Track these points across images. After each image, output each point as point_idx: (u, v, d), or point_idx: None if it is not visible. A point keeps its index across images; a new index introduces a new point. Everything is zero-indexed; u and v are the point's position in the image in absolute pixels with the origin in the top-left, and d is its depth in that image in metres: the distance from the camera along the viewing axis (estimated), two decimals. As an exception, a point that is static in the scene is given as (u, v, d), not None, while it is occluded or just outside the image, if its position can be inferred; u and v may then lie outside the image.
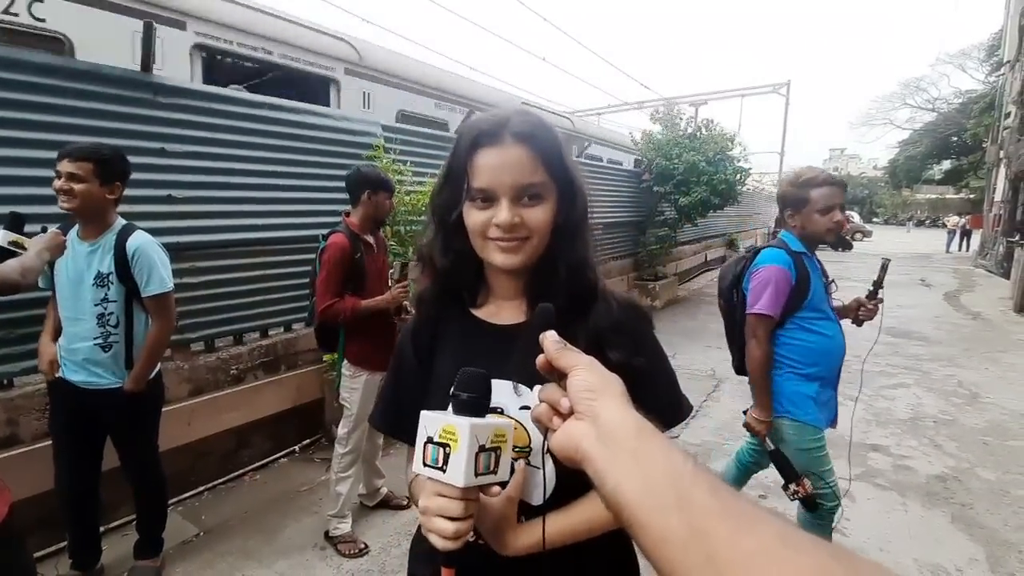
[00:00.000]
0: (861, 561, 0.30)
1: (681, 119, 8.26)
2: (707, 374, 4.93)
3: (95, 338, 1.96)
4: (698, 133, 7.97)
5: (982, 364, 5.49)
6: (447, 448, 0.59)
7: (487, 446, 0.60)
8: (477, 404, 0.61)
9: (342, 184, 3.47)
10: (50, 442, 2.11)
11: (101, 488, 2.17)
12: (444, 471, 0.59)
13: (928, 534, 2.62)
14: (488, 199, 0.75)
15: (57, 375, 2.01)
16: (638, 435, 0.42)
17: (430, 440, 0.60)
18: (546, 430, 0.50)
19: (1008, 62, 13.42)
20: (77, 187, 1.85)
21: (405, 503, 2.80)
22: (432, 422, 0.61)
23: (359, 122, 3.73)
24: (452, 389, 0.62)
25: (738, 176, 7.78)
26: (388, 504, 2.82)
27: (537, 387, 0.55)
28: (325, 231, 2.56)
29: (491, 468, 0.61)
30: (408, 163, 3.74)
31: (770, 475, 3.18)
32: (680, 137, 7.88)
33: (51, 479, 2.08)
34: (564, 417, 0.48)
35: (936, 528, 2.68)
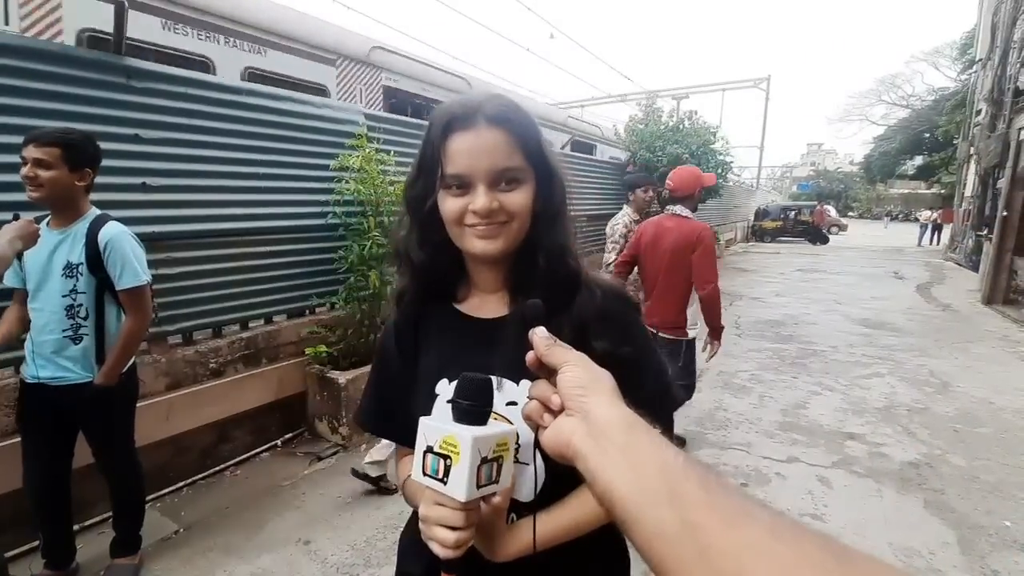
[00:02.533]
0: (852, 552, 0.30)
1: (662, 113, 8.31)
2: (689, 365, 4.99)
3: (64, 330, 1.89)
4: (681, 126, 8.02)
5: (952, 354, 5.67)
6: (448, 460, 0.57)
7: (489, 457, 0.57)
8: (479, 412, 0.59)
9: (324, 173, 3.44)
10: (19, 439, 2.04)
11: (76, 485, 2.11)
12: (445, 483, 0.57)
13: (902, 519, 2.70)
14: (464, 185, 0.72)
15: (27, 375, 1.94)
16: (628, 431, 0.42)
17: (430, 449, 0.58)
18: (537, 427, 0.50)
19: (980, 60, 13.76)
20: (44, 174, 1.77)
21: (394, 487, 2.79)
22: (432, 431, 0.59)
23: (341, 110, 3.65)
24: (453, 395, 0.60)
25: (720, 169, 7.86)
26: (379, 484, 2.79)
27: (524, 382, 0.54)
28: None
29: (493, 479, 0.59)
30: (392, 152, 3.68)
31: (751, 462, 3.25)
32: (664, 130, 7.92)
33: (21, 477, 2.00)
34: (555, 414, 0.48)
35: (910, 513, 2.76)
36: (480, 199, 0.70)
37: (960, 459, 3.33)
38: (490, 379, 0.60)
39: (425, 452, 0.59)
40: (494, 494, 0.61)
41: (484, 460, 0.57)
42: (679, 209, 3.03)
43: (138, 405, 2.24)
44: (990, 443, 3.55)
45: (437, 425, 0.59)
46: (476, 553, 0.71)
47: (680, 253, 2.90)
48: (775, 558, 0.30)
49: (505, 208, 0.72)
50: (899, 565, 2.33)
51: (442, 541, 0.59)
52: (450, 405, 0.60)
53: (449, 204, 0.73)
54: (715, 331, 2.97)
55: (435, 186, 0.74)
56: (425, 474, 0.59)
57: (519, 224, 0.74)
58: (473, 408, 0.58)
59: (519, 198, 0.72)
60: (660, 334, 2.93)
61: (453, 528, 0.59)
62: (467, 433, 0.56)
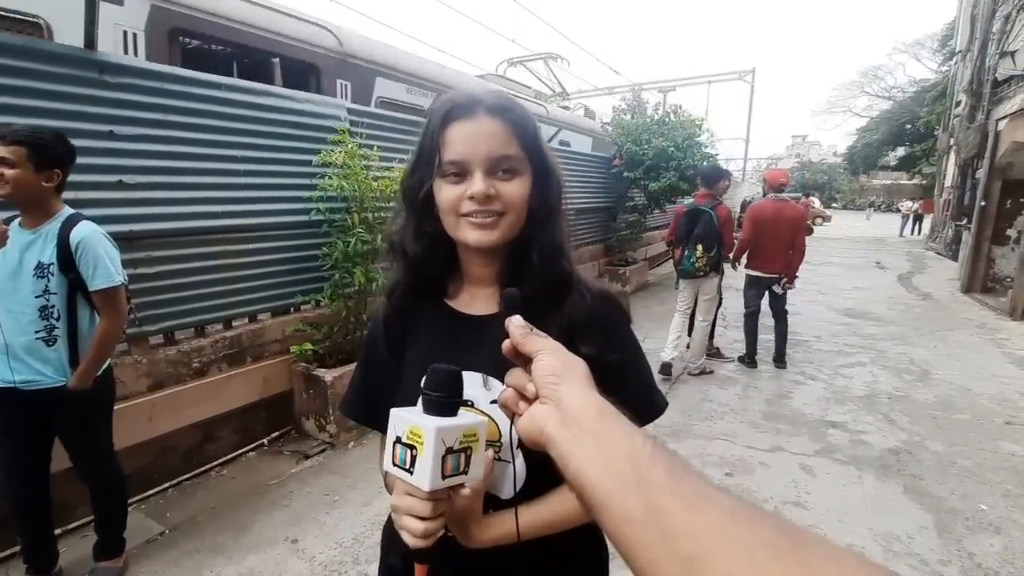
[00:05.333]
0: (805, 533, 0.32)
1: (647, 105, 8.31)
2: (675, 357, 5.03)
3: (37, 331, 1.85)
4: (667, 119, 8.03)
5: (932, 342, 5.78)
6: (414, 450, 0.58)
7: (455, 448, 0.58)
8: (447, 404, 0.59)
9: (306, 169, 3.39)
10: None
11: (56, 488, 2.08)
12: (411, 473, 0.58)
13: (882, 505, 2.76)
14: (461, 173, 0.72)
15: None
16: (599, 418, 0.43)
17: (398, 440, 0.59)
18: (512, 415, 0.51)
19: (960, 52, 13.95)
20: (8, 172, 1.73)
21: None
22: (400, 421, 0.60)
23: (323, 104, 3.60)
24: (422, 386, 0.60)
25: (705, 162, 7.89)
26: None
27: None
28: (710, 204, 4.35)
29: (460, 469, 0.60)
30: (375, 147, 3.65)
31: (736, 452, 3.30)
32: (649, 123, 7.93)
33: (-1, 483, 1.97)
34: (530, 401, 0.49)
35: (889, 499, 2.82)
36: (477, 184, 0.70)
37: (938, 445, 3.41)
38: (459, 371, 0.61)
39: (394, 443, 0.60)
40: (463, 485, 0.61)
41: (450, 450, 0.58)
42: (785, 195, 4.77)
43: (120, 406, 2.21)
44: (967, 429, 3.64)
45: (405, 415, 0.60)
46: (452, 546, 0.71)
47: (797, 223, 4.57)
48: (732, 540, 0.32)
49: (501, 197, 0.72)
50: (879, 550, 2.39)
51: (411, 531, 0.60)
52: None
53: (445, 192, 0.73)
54: (795, 273, 4.72)
55: (432, 175, 0.74)
56: (394, 464, 0.60)
57: (515, 216, 0.74)
58: (442, 399, 0.59)
59: (515, 188, 0.73)
60: (781, 276, 4.64)
61: (421, 518, 0.60)
62: (431, 423, 0.57)
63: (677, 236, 4.56)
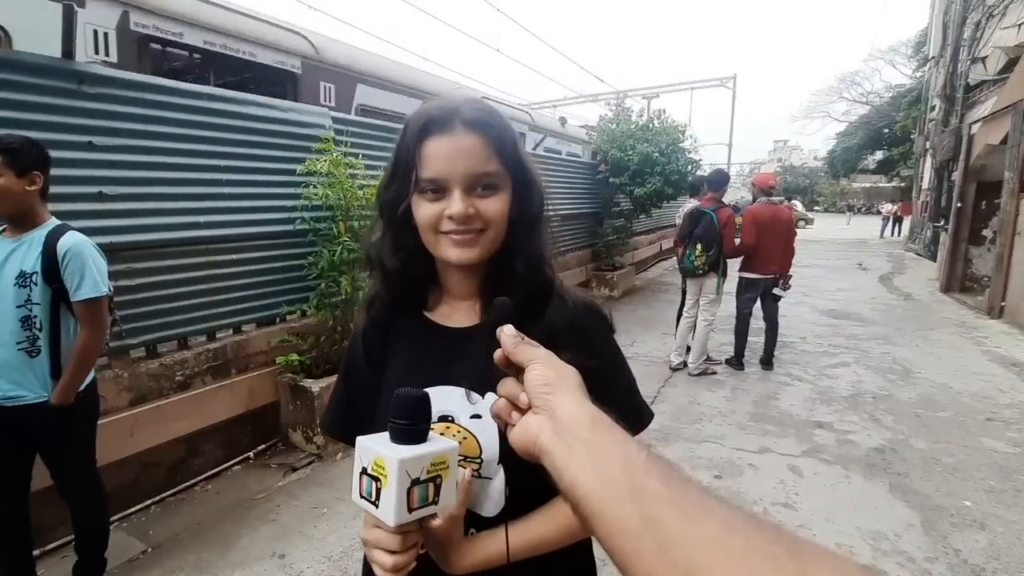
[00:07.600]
0: (802, 542, 0.32)
1: (631, 113, 8.41)
2: (664, 361, 5.06)
3: (19, 342, 1.80)
4: (650, 125, 8.12)
5: (913, 341, 5.89)
6: (379, 482, 0.55)
7: (422, 478, 0.55)
8: (413, 431, 0.57)
9: (291, 178, 3.37)
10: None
11: (35, 507, 2.02)
12: (377, 506, 0.55)
13: (869, 503, 2.79)
14: (439, 190, 0.70)
15: None
16: (593, 427, 0.43)
17: (364, 471, 0.56)
18: (505, 425, 0.50)
19: (933, 58, 14.31)
20: None
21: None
22: (366, 451, 0.57)
23: (307, 113, 3.58)
24: (389, 414, 0.58)
25: (689, 167, 7.99)
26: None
27: (490, 395, 0.53)
28: (713, 207, 4.61)
29: (429, 500, 0.57)
30: (360, 156, 3.63)
31: (724, 454, 3.32)
32: (634, 129, 8.01)
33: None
34: (523, 412, 0.48)
35: (876, 497, 2.85)
36: (456, 204, 0.68)
37: (922, 443, 3.46)
38: (426, 394, 0.58)
39: (360, 473, 0.57)
40: (434, 515, 0.58)
41: (416, 481, 0.55)
42: (776, 198, 4.95)
43: (101, 422, 2.16)
44: (950, 426, 3.70)
45: (369, 445, 0.56)
46: (432, 571, 0.69)
47: (790, 225, 4.82)
48: (729, 550, 0.31)
49: (481, 215, 0.70)
50: (867, 549, 2.41)
51: (380, 565, 0.58)
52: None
53: (424, 209, 0.71)
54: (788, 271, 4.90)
55: (409, 190, 0.72)
56: (361, 496, 0.57)
57: (495, 232, 0.72)
58: (408, 427, 0.56)
59: (495, 205, 0.71)
60: (778, 276, 4.78)
61: (391, 551, 0.57)
62: (393, 455, 0.53)
63: (680, 236, 4.84)
